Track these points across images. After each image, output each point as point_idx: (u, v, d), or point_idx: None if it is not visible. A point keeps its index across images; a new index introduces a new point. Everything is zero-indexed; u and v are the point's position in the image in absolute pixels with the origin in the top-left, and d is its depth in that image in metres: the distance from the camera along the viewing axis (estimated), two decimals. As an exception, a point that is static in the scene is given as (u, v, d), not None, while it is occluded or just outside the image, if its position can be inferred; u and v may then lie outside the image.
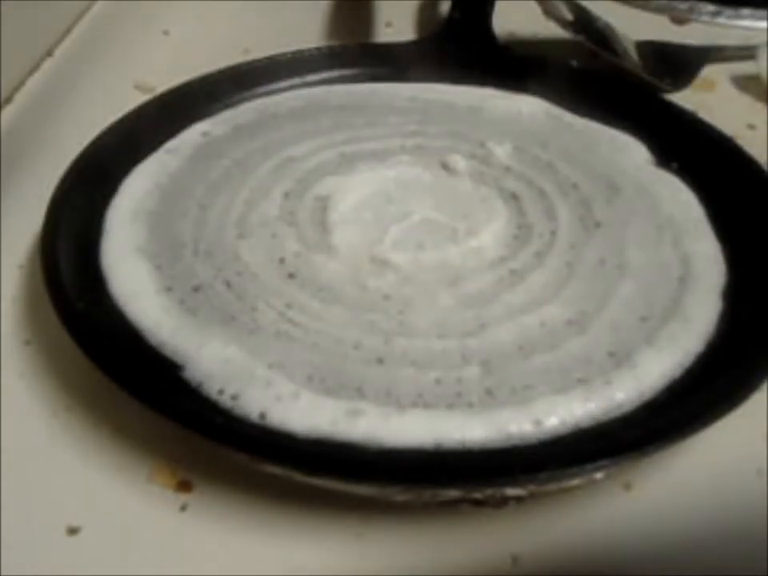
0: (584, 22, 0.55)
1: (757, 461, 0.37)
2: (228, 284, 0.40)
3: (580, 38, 0.54)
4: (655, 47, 0.58)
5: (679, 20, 0.64)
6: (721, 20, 0.64)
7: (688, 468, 0.36)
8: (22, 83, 0.51)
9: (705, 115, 0.49)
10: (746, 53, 0.58)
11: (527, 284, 0.40)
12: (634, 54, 0.56)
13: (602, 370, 0.36)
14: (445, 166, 0.46)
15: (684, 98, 0.52)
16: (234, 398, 0.35)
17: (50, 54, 0.53)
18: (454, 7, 0.57)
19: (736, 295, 0.40)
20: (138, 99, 0.50)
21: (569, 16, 0.54)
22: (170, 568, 0.33)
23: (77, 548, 0.34)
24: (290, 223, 0.43)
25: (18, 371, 0.40)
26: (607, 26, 0.56)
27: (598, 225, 0.43)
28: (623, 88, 0.52)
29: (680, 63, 0.57)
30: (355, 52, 0.56)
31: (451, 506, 0.34)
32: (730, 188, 0.45)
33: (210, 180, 0.45)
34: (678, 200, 0.45)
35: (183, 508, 0.35)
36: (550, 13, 0.54)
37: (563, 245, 0.42)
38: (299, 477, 0.33)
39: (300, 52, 0.54)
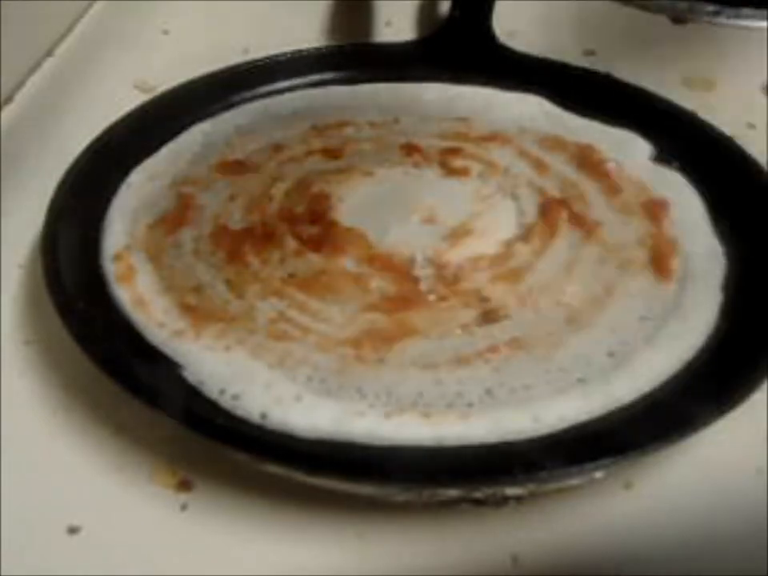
0: None
1: (757, 460, 0.37)
2: (228, 284, 0.40)
3: None
4: None
5: (679, 20, 0.64)
6: (721, 20, 0.64)
7: (688, 468, 0.36)
8: (22, 83, 0.51)
9: (705, 115, 0.49)
10: None
11: (527, 284, 0.40)
12: None
13: (601, 369, 0.36)
14: (445, 166, 0.46)
15: (684, 98, 0.52)
16: (235, 398, 0.35)
17: (50, 53, 0.53)
18: (453, 7, 0.57)
19: (735, 295, 0.40)
20: (138, 99, 0.50)
21: None
22: (170, 568, 0.33)
23: (77, 548, 0.34)
24: (290, 223, 0.43)
25: (18, 371, 0.40)
26: None
27: (597, 224, 0.43)
28: (623, 88, 0.52)
29: None
30: (355, 52, 0.56)
31: (451, 505, 0.34)
32: (730, 188, 0.45)
33: (211, 180, 0.46)
34: (679, 199, 0.45)
35: (183, 508, 0.35)
36: None
37: (563, 245, 0.42)
38: (300, 477, 0.33)
39: (300, 52, 0.54)
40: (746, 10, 0.63)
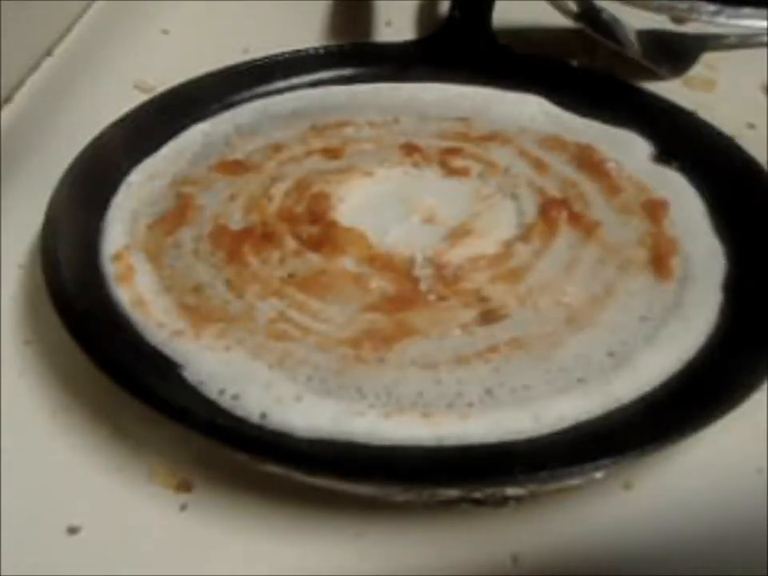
0: (588, 13, 0.55)
1: (757, 460, 0.37)
2: (228, 284, 0.40)
3: (583, 27, 0.55)
4: (655, 36, 0.59)
5: (679, 19, 0.64)
6: (721, 19, 0.63)
7: (688, 468, 0.36)
8: (21, 83, 0.51)
9: (705, 115, 0.49)
10: (744, 41, 0.58)
11: (527, 284, 0.40)
12: (635, 42, 0.56)
13: (601, 369, 0.36)
14: (445, 166, 0.46)
15: (684, 98, 0.52)
16: (235, 398, 0.35)
17: (49, 53, 0.53)
18: (453, 7, 0.57)
19: (736, 295, 0.40)
20: (138, 99, 0.50)
21: (574, 7, 0.55)
22: (169, 568, 0.33)
23: (77, 548, 0.34)
24: (290, 223, 0.43)
25: (18, 371, 0.40)
26: (611, 16, 0.56)
27: (597, 224, 0.43)
28: (623, 88, 0.52)
29: (679, 51, 0.58)
30: (355, 52, 0.56)
31: (451, 505, 0.34)
32: (730, 188, 0.45)
33: (210, 180, 0.46)
34: (679, 199, 0.45)
35: (183, 508, 0.35)
36: (555, 2, 0.54)
37: (563, 245, 0.42)
38: (299, 477, 0.33)
39: (300, 52, 0.54)
40: (745, 10, 0.63)
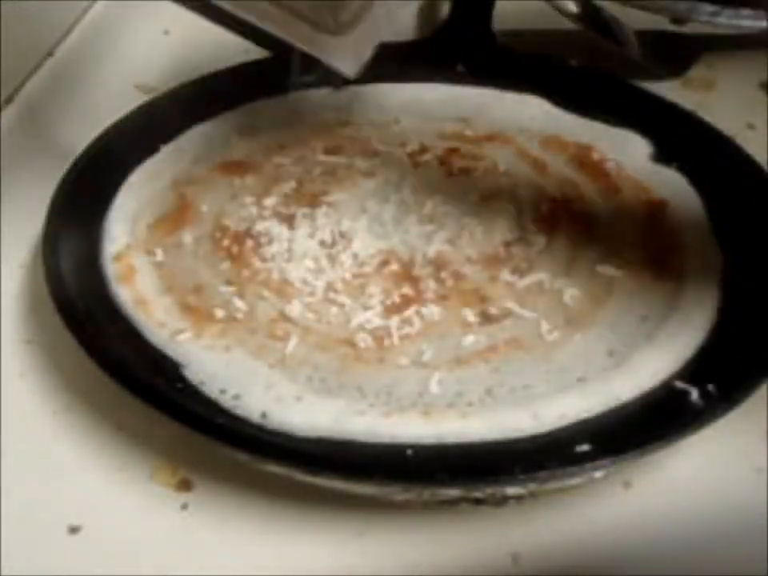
0: (588, 13, 0.55)
1: (756, 460, 0.37)
2: (228, 283, 0.40)
3: (583, 27, 0.55)
4: (655, 36, 0.59)
5: (679, 19, 0.64)
6: (721, 20, 0.63)
7: (688, 467, 0.36)
8: (23, 83, 0.51)
9: (705, 115, 0.49)
10: (744, 42, 0.58)
11: (527, 284, 0.40)
12: (635, 42, 0.56)
13: (601, 369, 0.36)
14: (445, 166, 0.46)
15: (684, 98, 0.52)
16: (236, 397, 0.35)
17: (50, 53, 0.53)
18: (454, 7, 0.57)
19: (735, 295, 0.40)
20: (138, 99, 0.50)
21: (573, 8, 0.55)
22: (170, 567, 0.33)
23: (77, 548, 0.34)
24: (290, 223, 0.43)
25: (18, 371, 0.40)
26: (611, 16, 0.57)
27: (597, 225, 0.43)
28: (623, 88, 0.52)
29: (679, 51, 0.58)
30: (355, 52, 0.56)
31: (451, 505, 0.34)
32: (730, 188, 0.45)
33: (211, 180, 0.46)
34: (679, 198, 0.45)
35: (184, 507, 0.35)
36: (555, 3, 0.54)
37: (563, 244, 0.42)
38: (300, 476, 0.33)
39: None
40: (745, 11, 0.63)
